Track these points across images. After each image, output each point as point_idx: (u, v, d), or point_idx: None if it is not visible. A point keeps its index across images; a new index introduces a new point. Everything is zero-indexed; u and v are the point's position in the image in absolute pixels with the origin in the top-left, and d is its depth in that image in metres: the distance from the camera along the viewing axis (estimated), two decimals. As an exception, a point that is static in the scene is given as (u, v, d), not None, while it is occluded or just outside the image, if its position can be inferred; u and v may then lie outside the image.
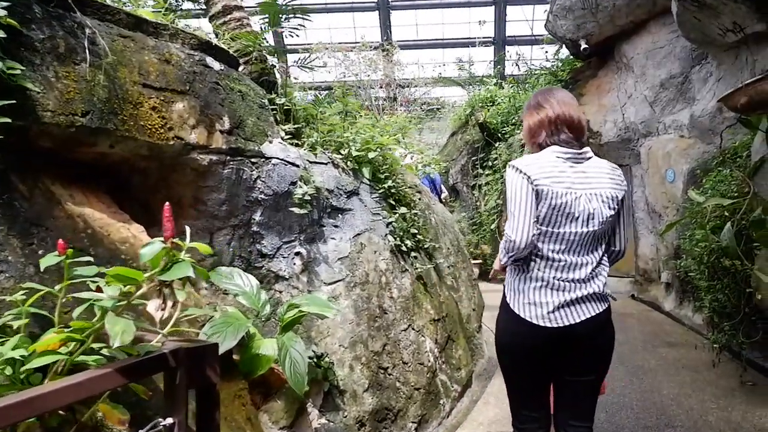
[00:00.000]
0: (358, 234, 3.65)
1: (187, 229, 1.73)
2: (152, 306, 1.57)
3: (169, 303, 1.58)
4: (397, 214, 3.84)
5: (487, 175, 10.45)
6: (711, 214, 3.88)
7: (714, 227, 3.92)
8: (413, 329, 3.66)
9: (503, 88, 12.15)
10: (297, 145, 3.58)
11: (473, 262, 7.61)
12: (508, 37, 16.05)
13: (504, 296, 2.20)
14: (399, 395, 3.41)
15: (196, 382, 1.89)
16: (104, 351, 1.76)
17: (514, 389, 2.26)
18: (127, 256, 2.55)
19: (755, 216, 3.43)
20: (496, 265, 2.30)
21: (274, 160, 3.29)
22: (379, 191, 3.84)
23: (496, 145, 10.39)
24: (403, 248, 3.81)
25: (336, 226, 3.59)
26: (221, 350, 2.45)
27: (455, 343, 4.17)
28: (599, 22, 7.34)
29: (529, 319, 2.03)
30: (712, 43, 5.63)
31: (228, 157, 3.07)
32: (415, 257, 3.95)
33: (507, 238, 2.05)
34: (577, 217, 1.99)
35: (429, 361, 3.68)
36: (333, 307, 2.97)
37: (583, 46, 7.55)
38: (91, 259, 1.91)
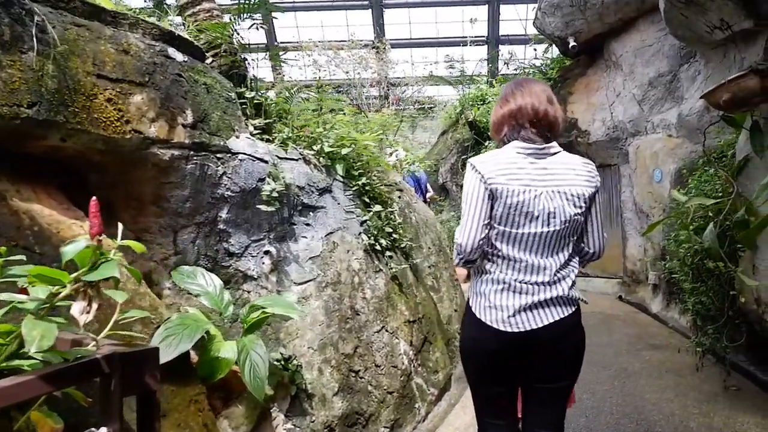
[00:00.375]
0: (331, 232, 3.54)
1: (119, 227, 1.62)
2: (76, 308, 1.46)
3: (94, 305, 1.47)
4: (372, 212, 3.73)
5: (477, 174, 10.34)
6: (694, 215, 3.78)
7: (697, 228, 3.83)
8: (387, 331, 3.55)
9: (494, 86, 12.05)
10: (268, 140, 3.47)
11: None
12: (502, 36, 15.95)
13: (468, 299, 2.10)
14: (371, 399, 3.31)
15: (133, 389, 1.78)
16: (38, 356, 1.65)
17: (478, 396, 2.15)
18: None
19: (738, 216, 3.34)
20: (458, 270, 2.19)
21: (241, 156, 3.18)
22: (353, 188, 3.73)
23: (486, 144, 10.29)
24: (378, 247, 3.70)
25: (307, 225, 3.49)
26: (175, 353, 2.35)
27: (433, 346, 4.06)
28: (588, 19, 7.25)
29: (490, 323, 1.92)
30: (699, 41, 5.54)
31: (191, 152, 2.96)
32: (391, 257, 3.84)
33: (455, 240, 1.96)
34: (537, 217, 1.86)
35: (403, 363, 3.58)
36: (298, 308, 2.86)
37: (572, 43, 7.46)
38: (23, 257, 1.79)
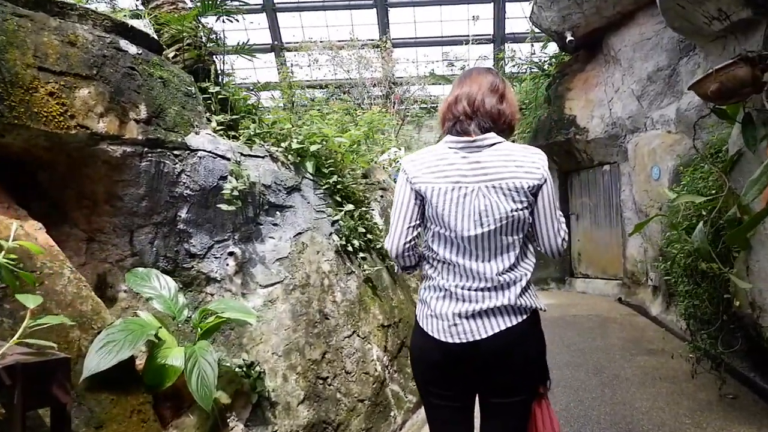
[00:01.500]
0: (300, 233, 3.40)
1: (12, 225, 1.48)
2: (-45, 316, 1.32)
3: (-25, 313, 1.34)
4: (343, 212, 3.57)
5: (477, 173, 10.16)
6: (686, 213, 3.59)
7: (689, 227, 3.63)
8: (358, 336, 3.40)
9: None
10: (234, 137, 3.34)
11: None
12: (507, 34, 15.75)
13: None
14: (340, 407, 3.16)
15: (39, 402, 1.65)
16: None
17: (429, 412, 1.94)
18: (13, 255, 2.31)
19: (731, 215, 3.13)
20: None
21: (200, 153, 3.04)
22: (324, 187, 3.58)
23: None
24: (350, 248, 3.55)
25: (275, 225, 3.35)
26: (114, 361, 2.21)
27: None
28: (585, 13, 7.05)
29: (432, 333, 1.74)
30: (698, 33, 5.32)
31: (146, 149, 2.82)
32: (364, 258, 3.68)
33: (386, 250, 1.85)
34: (469, 216, 1.69)
35: (376, 370, 3.42)
36: (254, 313, 2.72)
37: (569, 38, 7.26)
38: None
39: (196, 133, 3.06)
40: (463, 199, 1.69)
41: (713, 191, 3.70)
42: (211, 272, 3.11)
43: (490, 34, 15.75)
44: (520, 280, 1.74)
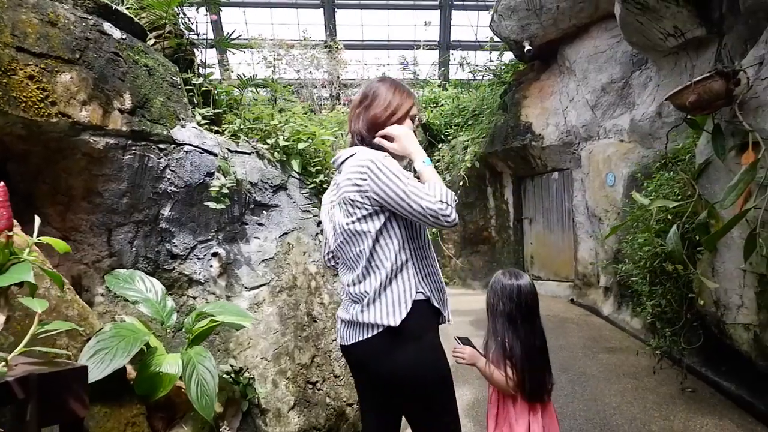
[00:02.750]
0: (286, 233, 3.27)
1: (36, 220, 1.32)
2: (-24, 321, 1.16)
3: (1, 317, 1.17)
4: (330, 212, 3.47)
5: (430, 177, 10.24)
6: (655, 218, 3.74)
7: (658, 231, 3.79)
8: (346, 339, 3.31)
9: (446, 90, 12.03)
10: (217, 132, 3.17)
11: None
12: (453, 41, 16.02)
13: None
14: (329, 412, 3.06)
15: (54, 416, 1.48)
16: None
17: None
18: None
19: (701, 219, 3.29)
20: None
21: (186, 147, 2.87)
22: (310, 186, 3.47)
23: (440, 146, 10.23)
24: (336, 249, 3.45)
25: (260, 224, 3.21)
26: (108, 370, 2.04)
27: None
28: (543, 24, 7.25)
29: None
30: (653, 48, 5.61)
31: (129, 141, 2.63)
32: (350, 259, 3.60)
33: None
34: (328, 230, 1.86)
35: (363, 373, 3.34)
36: (251, 316, 2.59)
37: (527, 47, 7.44)
38: None
39: (182, 127, 2.89)
40: (326, 218, 1.87)
41: (679, 197, 3.87)
42: (193, 274, 2.94)
43: (436, 41, 15.99)
44: (363, 296, 1.68)
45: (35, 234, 1.27)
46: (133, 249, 2.77)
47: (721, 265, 3.37)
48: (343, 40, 14.54)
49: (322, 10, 15.20)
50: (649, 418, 3.65)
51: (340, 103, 13.71)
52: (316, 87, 13.39)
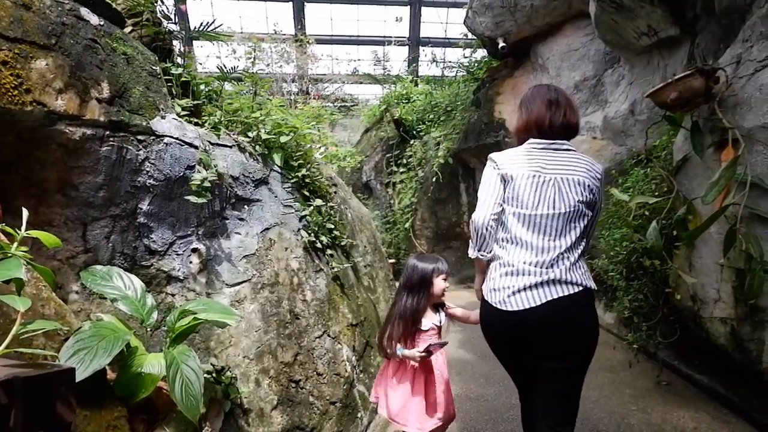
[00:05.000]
0: (267, 228, 3.20)
1: (24, 213, 1.24)
2: (-39, 322, 1.07)
3: (-12, 317, 1.09)
4: (312, 207, 3.41)
5: (402, 172, 10.23)
6: (633, 213, 3.80)
7: (636, 226, 3.85)
8: (329, 336, 3.27)
9: (417, 85, 12.05)
10: (197, 124, 3.07)
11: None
12: (422, 37, 16.05)
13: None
14: (312, 411, 3.01)
15: (41, 423, 1.40)
16: None
17: (509, 373, 2.28)
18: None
19: (680, 215, 3.36)
20: (477, 285, 2.34)
21: (167, 139, 2.77)
22: (292, 181, 3.40)
23: (412, 142, 10.22)
24: (318, 245, 3.40)
25: (241, 219, 3.12)
26: (89, 371, 1.94)
27: (374, 350, 3.81)
28: (517, 21, 7.32)
29: (494, 304, 2.05)
30: (627, 47, 5.71)
31: (107, 132, 2.52)
32: (332, 255, 3.55)
33: (471, 223, 2.17)
34: (547, 197, 2.02)
35: (346, 371, 3.30)
36: (236, 313, 2.51)
37: (501, 44, 7.50)
38: None
39: (162, 118, 2.78)
40: (543, 184, 2.04)
41: (656, 193, 3.95)
42: (172, 270, 2.85)
43: (405, 37, 15.97)
44: (573, 258, 2.00)
45: (23, 227, 1.18)
46: (110, 244, 2.66)
47: (698, 260, 3.45)
48: (313, 35, 14.39)
49: (291, 4, 15.01)
50: (628, 412, 3.72)
51: (311, 98, 13.58)
52: (285, 81, 13.21)
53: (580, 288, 1.96)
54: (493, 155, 2.21)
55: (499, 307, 2.02)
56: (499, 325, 2.08)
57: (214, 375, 2.68)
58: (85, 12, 2.46)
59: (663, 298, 3.93)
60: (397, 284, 5.33)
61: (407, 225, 9.59)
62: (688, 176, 3.56)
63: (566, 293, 1.93)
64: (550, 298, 1.92)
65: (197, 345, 2.80)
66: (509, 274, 2.02)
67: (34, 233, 1.22)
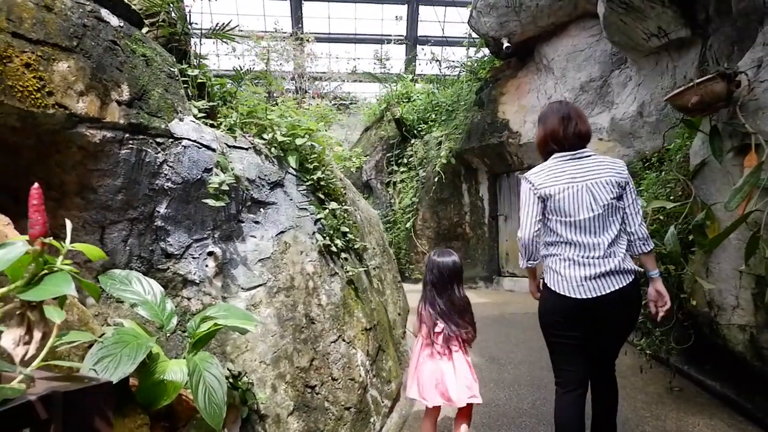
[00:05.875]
0: (282, 231, 3.17)
1: (68, 224, 1.21)
2: (9, 339, 1.04)
3: (37, 333, 1.06)
4: (327, 210, 3.39)
5: (403, 172, 10.21)
6: (650, 218, 3.80)
7: (652, 231, 3.84)
8: (344, 340, 3.24)
9: (416, 84, 12.04)
10: (213, 125, 3.04)
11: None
12: (420, 36, 16.03)
13: (543, 280, 2.61)
14: (328, 417, 2.99)
15: (78, 437, 1.37)
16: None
17: (557, 352, 2.61)
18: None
19: (698, 220, 3.35)
20: (531, 288, 2.88)
21: (185, 142, 2.74)
22: (307, 183, 3.37)
23: (413, 141, 10.20)
24: (333, 249, 3.37)
25: (257, 222, 3.10)
26: (115, 378, 1.91)
27: (386, 354, 3.80)
28: (522, 21, 7.31)
29: (562, 292, 2.41)
30: (635, 48, 5.71)
31: (127, 135, 2.49)
32: (346, 259, 3.52)
33: (518, 239, 2.55)
34: (583, 203, 2.40)
35: (360, 375, 3.28)
36: (256, 319, 2.49)
37: (506, 44, 7.49)
38: None
39: (180, 120, 2.75)
40: (578, 193, 2.41)
41: (671, 197, 3.94)
42: (188, 274, 2.82)
43: (403, 35, 15.94)
44: (619, 249, 2.42)
45: (68, 240, 1.16)
46: (127, 248, 2.64)
47: (716, 266, 3.44)
48: (311, 33, 14.35)
49: (288, 2, 14.96)
50: (641, 419, 3.70)
51: (309, 97, 13.52)
52: (285, 79, 13.15)
53: (633, 276, 2.41)
54: (528, 176, 2.55)
55: (567, 294, 2.39)
56: (570, 309, 2.42)
57: (230, 380, 2.65)
58: (105, 13, 2.43)
59: (677, 304, 3.92)
60: (404, 286, 5.31)
61: (408, 225, 9.58)
62: (705, 181, 3.55)
63: (627, 282, 2.37)
64: (618, 287, 2.35)
65: (213, 349, 2.78)
66: (572, 265, 2.40)
67: (79, 246, 1.19)
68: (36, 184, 1.10)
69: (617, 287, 2.35)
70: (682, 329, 3.90)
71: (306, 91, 13.86)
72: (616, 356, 2.69)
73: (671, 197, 3.84)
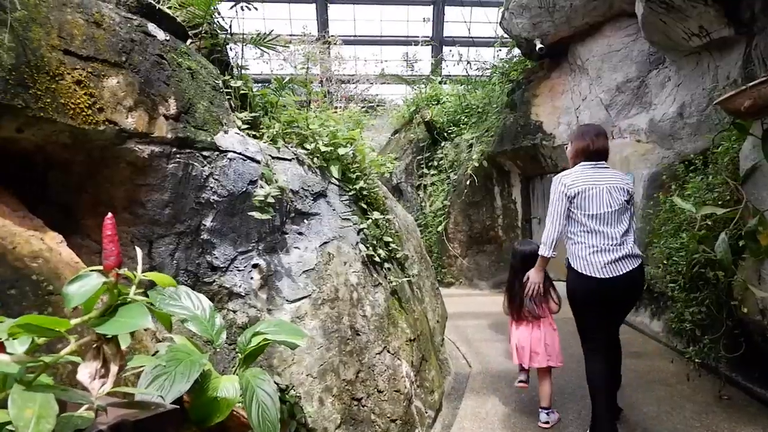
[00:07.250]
0: (326, 242, 3.14)
1: (138, 252, 1.18)
2: (85, 372, 1.01)
3: (114, 367, 1.03)
4: (370, 220, 3.34)
5: (433, 175, 10.12)
6: (701, 223, 3.66)
7: (702, 237, 3.71)
8: (389, 352, 3.19)
9: (445, 85, 11.93)
10: (255, 137, 3.02)
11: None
12: (446, 37, 15.93)
13: (569, 264, 3.18)
14: (374, 429, 2.94)
15: (147, 465, 1.35)
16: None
17: (585, 323, 3.24)
18: (39, 276, 1.93)
19: (750, 226, 3.21)
20: (534, 278, 3.46)
21: (230, 154, 2.72)
22: (350, 193, 3.33)
23: (443, 144, 10.11)
24: (376, 259, 3.32)
25: (300, 234, 3.07)
26: (171, 397, 1.87)
27: (428, 364, 3.73)
28: (555, 22, 7.16)
29: (589, 274, 3.02)
30: (675, 48, 5.54)
31: (174, 149, 2.48)
32: (389, 269, 3.47)
33: (546, 230, 3.21)
34: (604, 201, 3.06)
35: (405, 387, 3.23)
36: (306, 333, 2.45)
37: (539, 45, 7.35)
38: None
39: (225, 132, 2.74)
40: (600, 192, 3.07)
41: (719, 202, 3.80)
42: (234, 286, 2.80)
43: (429, 37, 15.85)
44: (630, 239, 3.11)
45: (139, 268, 1.13)
46: (174, 261, 2.63)
47: (769, 274, 3.30)
48: (336, 35, 14.36)
49: (314, 5, 14.99)
50: (691, 428, 3.57)
51: (338, 100, 13.52)
52: (313, 83, 13.16)
53: (641, 260, 3.12)
54: (561, 177, 3.22)
55: (593, 275, 3.01)
56: (594, 288, 3.03)
57: (279, 394, 2.62)
58: (152, 27, 2.43)
59: (727, 311, 3.78)
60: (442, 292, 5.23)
61: (440, 228, 9.48)
62: (757, 186, 3.41)
63: (636, 265, 3.07)
64: (630, 269, 3.03)
65: (259, 362, 2.75)
66: (596, 252, 3.03)
67: (150, 275, 1.17)
68: (110, 215, 1.07)
69: (630, 269, 3.02)
70: (731, 337, 3.75)
71: (332, 95, 13.86)
72: (621, 323, 3.46)
73: (719, 202, 3.70)
